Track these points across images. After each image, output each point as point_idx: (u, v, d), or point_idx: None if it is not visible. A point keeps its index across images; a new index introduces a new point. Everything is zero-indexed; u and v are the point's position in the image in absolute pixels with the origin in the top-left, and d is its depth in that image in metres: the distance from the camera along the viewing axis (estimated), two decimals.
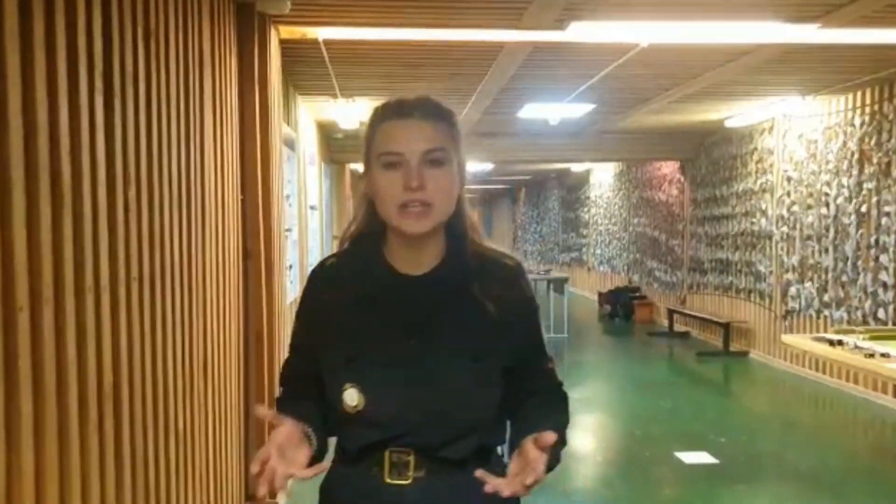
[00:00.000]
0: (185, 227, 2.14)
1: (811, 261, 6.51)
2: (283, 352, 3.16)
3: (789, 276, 6.87)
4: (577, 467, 4.29)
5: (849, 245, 5.96)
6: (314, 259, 5.93)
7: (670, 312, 9.33)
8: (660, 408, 5.73)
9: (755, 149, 7.55)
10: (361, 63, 4.78)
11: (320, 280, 1.20)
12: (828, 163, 6.27)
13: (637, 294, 10.84)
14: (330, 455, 1.16)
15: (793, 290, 6.80)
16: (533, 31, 3.84)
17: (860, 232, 5.83)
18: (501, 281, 1.15)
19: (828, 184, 6.26)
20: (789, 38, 3.99)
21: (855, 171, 5.89)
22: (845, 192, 6.02)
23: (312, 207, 6.30)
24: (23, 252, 1.21)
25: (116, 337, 1.59)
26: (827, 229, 6.27)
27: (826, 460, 4.41)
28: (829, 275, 6.22)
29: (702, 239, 8.86)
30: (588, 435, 5.06)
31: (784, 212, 6.97)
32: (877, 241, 5.63)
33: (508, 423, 1.18)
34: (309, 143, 6.35)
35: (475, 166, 11.66)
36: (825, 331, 5.19)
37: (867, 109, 5.79)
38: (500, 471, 1.05)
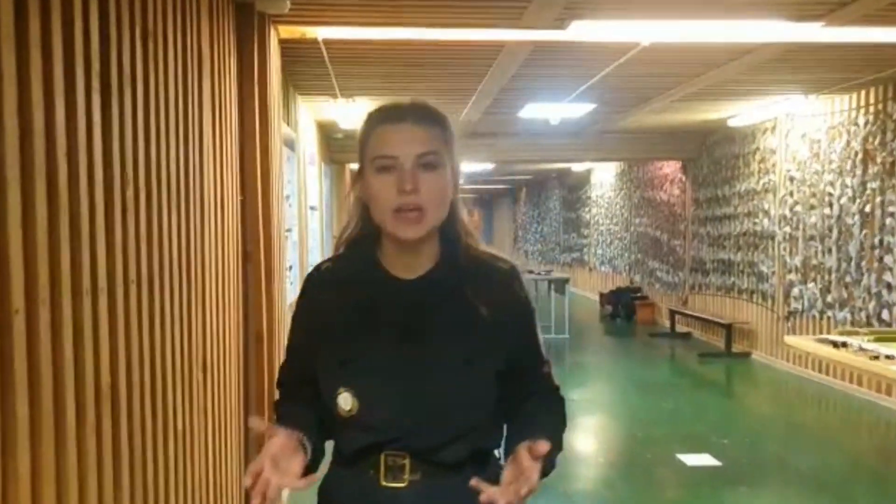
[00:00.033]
0: (184, 228, 2.13)
1: (814, 261, 6.49)
2: (283, 353, 3.14)
3: (792, 276, 6.85)
4: (579, 469, 4.27)
5: (852, 245, 5.93)
6: (314, 259, 5.92)
7: (672, 313, 9.31)
8: (661, 409, 5.71)
9: (758, 148, 7.53)
10: (361, 63, 4.77)
11: (316, 284, 1.21)
12: (831, 162, 6.25)
13: (639, 294, 10.82)
14: (326, 462, 1.17)
15: (795, 290, 6.78)
16: (533, 31, 3.82)
17: (864, 232, 5.81)
18: (495, 284, 1.16)
19: (831, 184, 6.24)
20: (792, 36, 3.97)
21: (859, 171, 5.87)
22: (849, 192, 5.99)
23: (312, 208, 6.29)
24: (18, 254, 1.20)
25: (114, 339, 1.57)
26: (830, 230, 6.25)
27: (829, 463, 4.39)
28: (833, 275, 6.20)
29: (704, 239, 8.84)
30: (589, 436, 5.05)
31: (787, 212, 6.95)
32: (881, 241, 5.61)
33: (505, 426, 1.19)
34: (309, 143, 6.34)
35: (476, 166, 11.66)
36: (828, 332, 5.16)
37: (871, 109, 5.77)
38: (499, 473, 1.04)
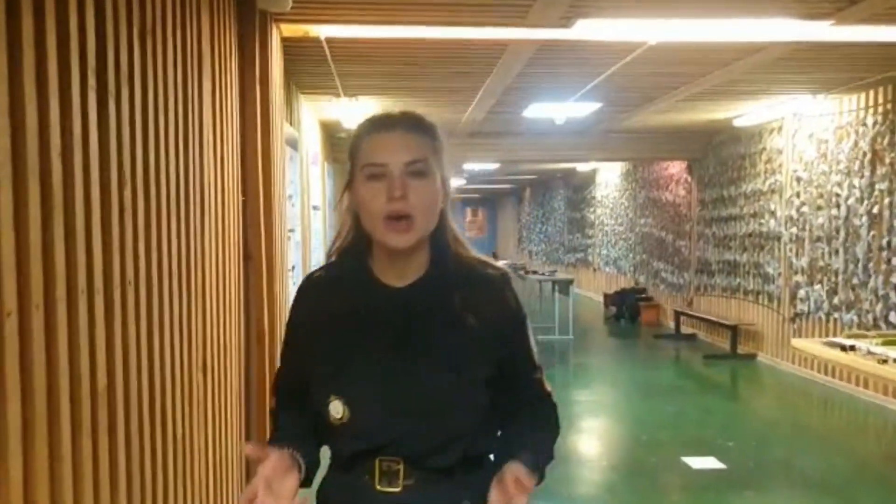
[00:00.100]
0: (183, 228, 2.11)
1: (821, 263, 6.44)
2: None
3: (798, 278, 6.80)
4: (583, 472, 4.24)
5: (860, 247, 5.88)
6: (317, 260, 5.90)
7: (677, 314, 9.26)
8: (666, 412, 5.67)
9: (764, 148, 7.48)
10: (364, 62, 4.74)
11: (308, 293, 1.23)
12: (839, 163, 6.20)
13: (643, 295, 10.77)
14: (323, 469, 1.19)
15: (802, 292, 6.73)
16: (538, 29, 3.79)
17: (872, 234, 5.76)
18: (486, 291, 1.17)
19: (839, 184, 6.19)
20: (800, 35, 3.93)
21: (867, 172, 5.82)
22: (857, 192, 5.94)
23: (315, 208, 6.28)
24: (11, 254, 1.18)
25: (111, 341, 1.55)
26: (837, 231, 6.20)
27: (836, 466, 4.35)
28: (840, 277, 6.15)
29: (709, 240, 8.79)
30: (593, 439, 5.01)
31: (793, 213, 6.90)
32: (889, 243, 5.56)
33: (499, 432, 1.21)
34: (312, 142, 6.33)
35: (480, 166, 11.63)
36: (835, 334, 5.12)
37: (880, 109, 5.72)
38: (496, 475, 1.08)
